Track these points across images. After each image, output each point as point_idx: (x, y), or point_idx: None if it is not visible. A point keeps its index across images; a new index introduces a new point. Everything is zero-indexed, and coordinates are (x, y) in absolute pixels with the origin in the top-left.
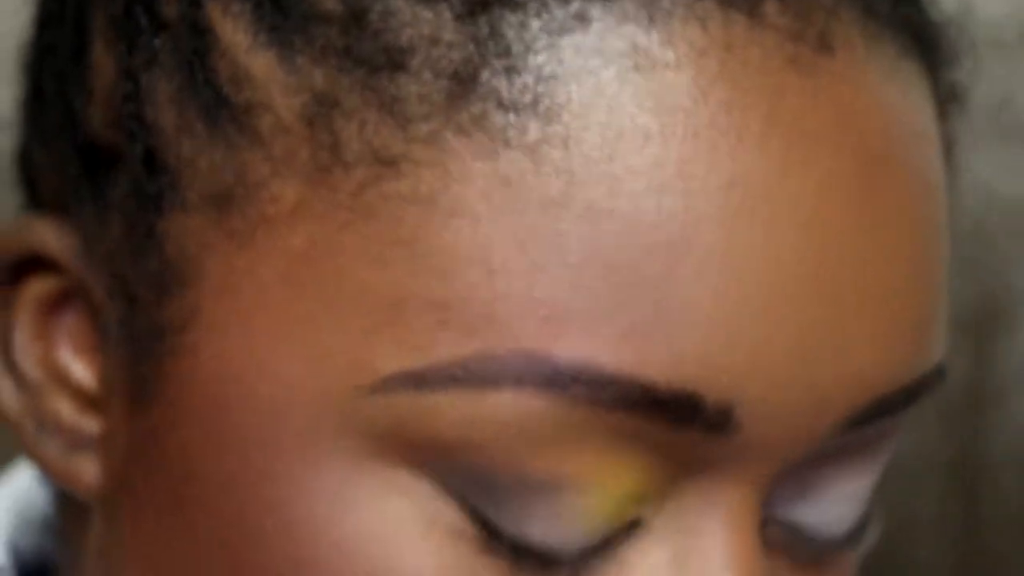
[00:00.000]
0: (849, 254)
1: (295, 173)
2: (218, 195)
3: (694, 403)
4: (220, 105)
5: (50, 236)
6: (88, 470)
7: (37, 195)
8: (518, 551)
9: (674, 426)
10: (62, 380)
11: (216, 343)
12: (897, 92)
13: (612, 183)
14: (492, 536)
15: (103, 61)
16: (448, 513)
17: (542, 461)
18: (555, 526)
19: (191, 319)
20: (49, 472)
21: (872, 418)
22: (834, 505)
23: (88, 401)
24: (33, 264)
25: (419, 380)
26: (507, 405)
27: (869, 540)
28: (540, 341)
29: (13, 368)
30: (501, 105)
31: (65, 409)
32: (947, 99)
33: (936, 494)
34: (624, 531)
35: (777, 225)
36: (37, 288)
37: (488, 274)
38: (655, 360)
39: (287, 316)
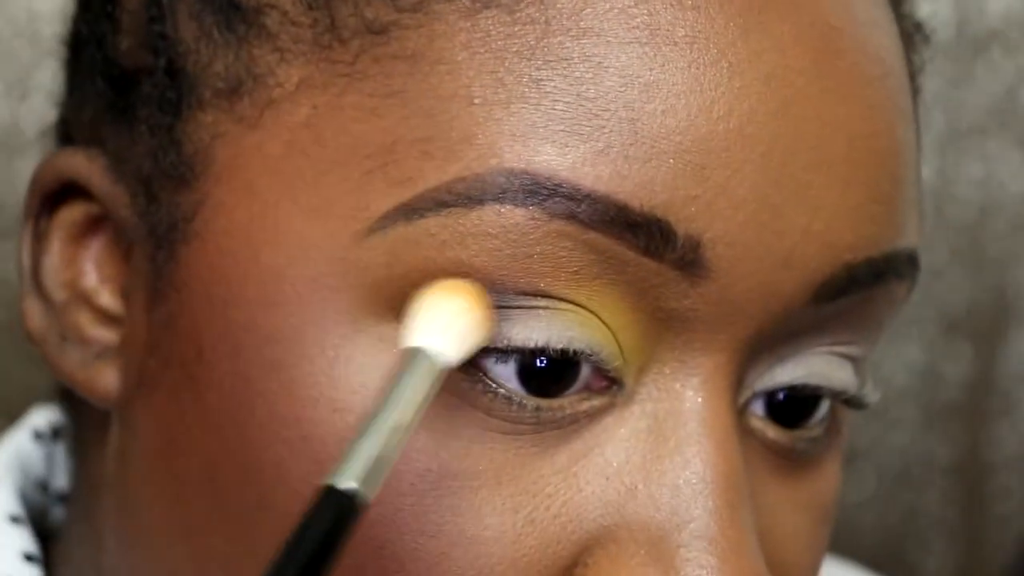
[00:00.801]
0: (811, 114)
1: (298, 56)
2: (230, 89)
3: (665, 230)
4: (233, 11)
5: (80, 162)
6: (108, 376)
7: (70, 140)
8: (495, 384)
9: (647, 255)
10: (87, 301)
11: (223, 219)
12: None
13: (583, 32)
14: (470, 373)
15: None
16: None
17: (523, 277)
18: (535, 328)
19: (201, 206)
20: (71, 381)
21: (842, 289)
22: (816, 360)
23: (110, 318)
24: (65, 194)
25: (409, 210)
26: (490, 219)
27: (867, 398)
28: (519, 158)
29: (41, 291)
30: None
31: (87, 322)
32: (908, 22)
33: (938, 495)
34: (606, 388)
35: (740, 74)
36: (68, 215)
37: (468, 106)
38: (629, 182)
39: (290, 179)
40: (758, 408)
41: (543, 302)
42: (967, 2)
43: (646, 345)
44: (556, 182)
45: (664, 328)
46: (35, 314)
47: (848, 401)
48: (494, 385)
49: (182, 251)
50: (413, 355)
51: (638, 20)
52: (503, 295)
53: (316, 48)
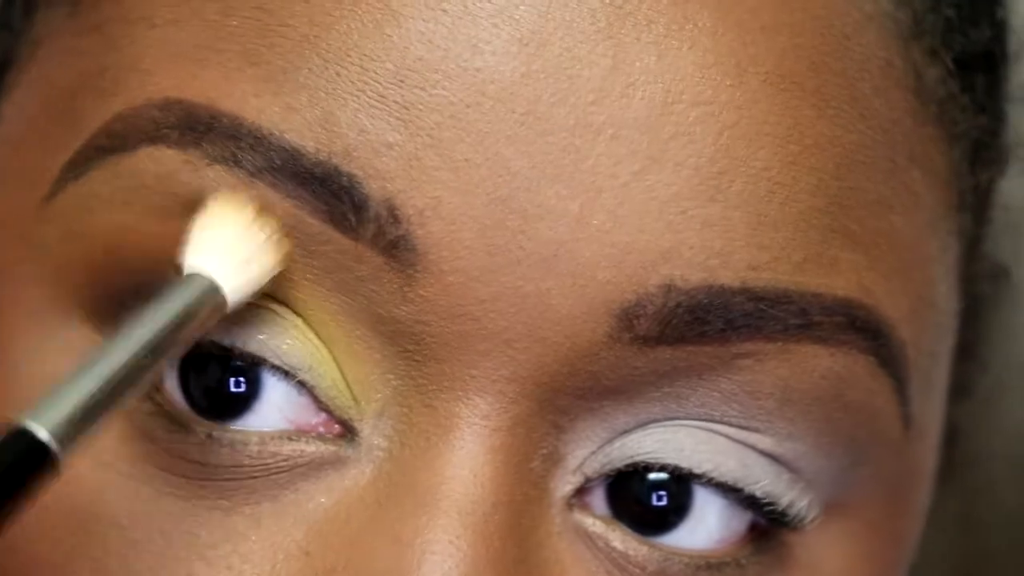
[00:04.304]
0: (600, 52)
1: (52, 16)
2: (11, 59)
3: (350, 188)
4: None
5: None
6: None
7: None
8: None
9: (334, 224)
10: None
11: None
12: None
13: None
14: (160, 414)
15: None
16: None
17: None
18: (224, 326)
19: None
20: None
21: (674, 327)
22: (676, 445)
23: None
24: None
25: (75, 165)
26: (145, 166)
27: (798, 515)
28: (178, 86)
29: None
30: None
31: None
32: None
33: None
34: (330, 437)
35: (503, 21)
36: None
37: (148, 29)
38: (303, 118)
39: (11, 148)
40: (597, 503)
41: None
42: None
43: (380, 376)
44: (212, 114)
45: (399, 354)
46: None
47: (762, 511)
48: (155, 394)
49: None
50: (179, 281)
51: None
52: (170, 273)
53: (57, 4)
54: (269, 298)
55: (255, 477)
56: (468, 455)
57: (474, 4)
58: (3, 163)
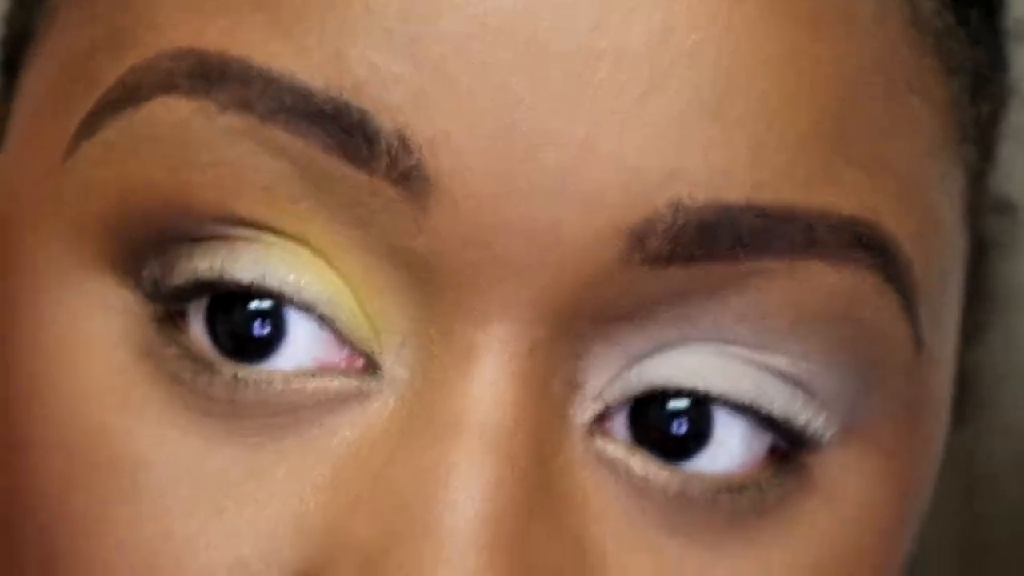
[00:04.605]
0: None
1: None
2: (36, 28)
3: (362, 122)
4: None
5: None
6: None
7: None
8: (224, 386)
9: (347, 160)
10: None
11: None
12: None
13: None
14: (191, 358)
15: None
16: (137, 327)
17: (210, 190)
18: (229, 258)
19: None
20: None
21: (684, 247)
22: (695, 368)
23: None
24: None
25: (90, 121)
26: (159, 115)
27: (818, 432)
28: (190, 36)
29: None
30: None
31: None
32: None
33: (934, 491)
34: (351, 371)
35: None
36: None
37: None
38: (312, 57)
39: (31, 118)
40: (618, 428)
41: (244, 231)
42: None
43: (399, 308)
44: (223, 60)
45: (416, 284)
46: None
47: (780, 430)
48: (181, 338)
49: None
50: None
51: None
52: (195, 221)
53: None
54: (286, 235)
55: (281, 414)
56: (488, 381)
57: None
58: (26, 132)
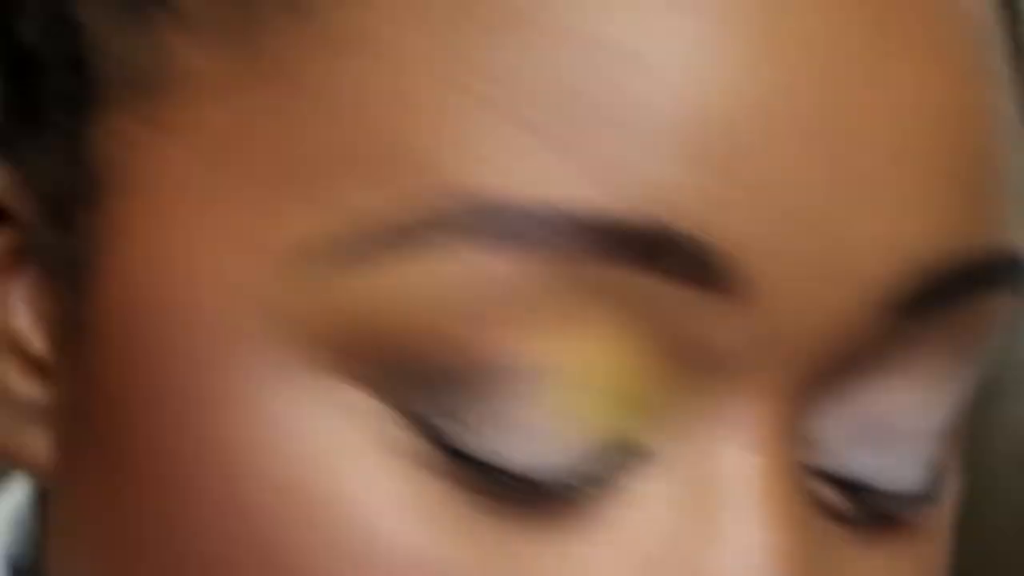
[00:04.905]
0: (869, 82)
1: (212, 44)
2: (140, 84)
3: (668, 236)
4: None
5: None
6: (38, 444)
7: None
8: (490, 473)
9: (653, 272)
10: (17, 348)
11: (134, 248)
12: None
13: None
14: (455, 456)
15: None
16: (402, 434)
17: (500, 337)
18: (530, 433)
19: (111, 229)
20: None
21: (920, 302)
22: (899, 444)
23: (43, 369)
24: None
25: (345, 246)
26: (452, 266)
27: (949, 494)
28: (478, 181)
29: None
30: None
31: (16, 375)
32: None
33: None
34: (621, 455)
35: (771, 35)
36: None
37: (410, 108)
38: (626, 192)
39: (204, 199)
40: (820, 473)
41: (532, 389)
42: None
43: (669, 394)
44: (532, 209)
45: (690, 369)
46: None
47: (917, 504)
48: (489, 474)
49: (94, 288)
50: None
51: None
52: (478, 369)
53: (231, 34)
54: (566, 369)
55: (567, 504)
56: (760, 450)
57: (779, 57)
58: (177, 207)
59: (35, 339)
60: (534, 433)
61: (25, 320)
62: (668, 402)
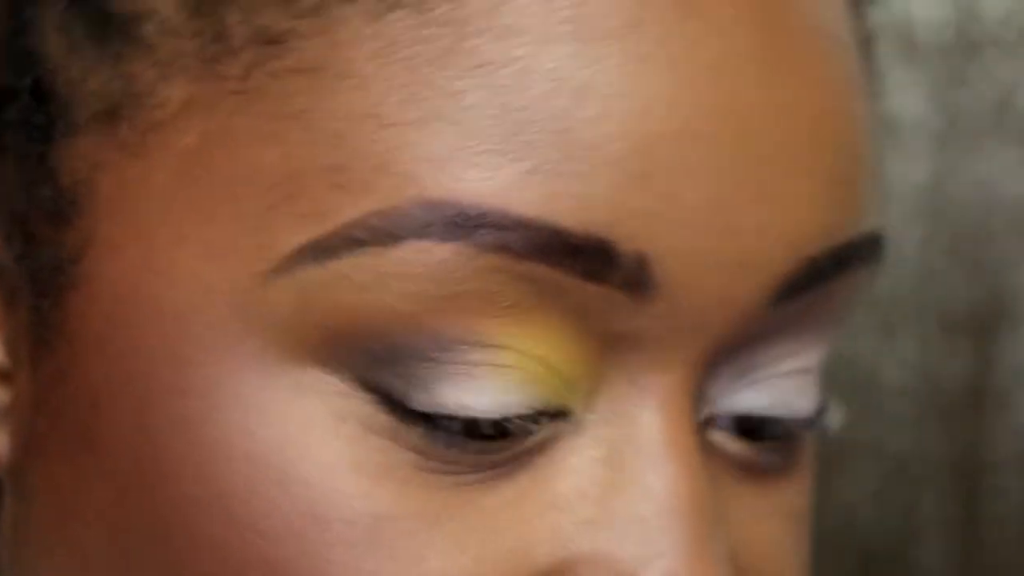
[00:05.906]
0: (760, 100)
1: (182, 71)
2: (107, 111)
3: (607, 250)
4: (106, 21)
5: None
6: (0, 441)
7: None
8: (434, 426)
9: (589, 279)
10: None
11: (114, 262)
12: None
13: (505, 31)
14: (404, 417)
15: None
16: (357, 406)
17: (453, 318)
18: (476, 391)
19: (87, 245)
20: None
21: (804, 285)
22: (780, 384)
23: (2, 376)
24: None
25: (320, 250)
26: (412, 257)
27: (828, 423)
28: (439, 187)
29: None
30: None
31: None
32: None
33: (937, 494)
34: (555, 420)
35: (681, 66)
36: None
37: (380, 128)
38: (563, 203)
39: (183, 217)
40: (721, 423)
41: (478, 354)
42: (965, 4)
43: (593, 369)
44: (482, 211)
45: (612, 349)
46: None
47: (809, 427)
48: (434, 431)
49: (69, 297)
50: None
51: (565, 13)
52: (435, 342)
53: (202, 62)
54: (507, 349)
55: (508, 463)
56: (667, 414)
57: (687, 85)
58: (167, 227)
59: None
60: (480, 391)
61: None
62: (597, 377)
